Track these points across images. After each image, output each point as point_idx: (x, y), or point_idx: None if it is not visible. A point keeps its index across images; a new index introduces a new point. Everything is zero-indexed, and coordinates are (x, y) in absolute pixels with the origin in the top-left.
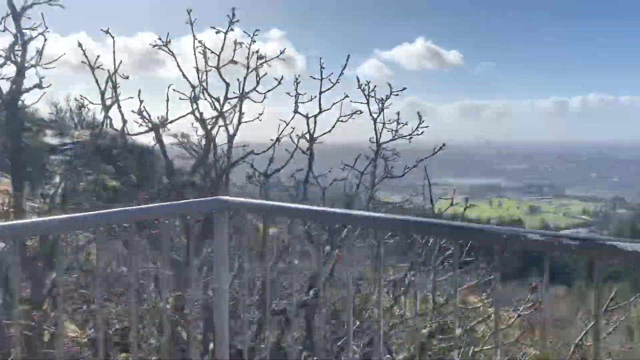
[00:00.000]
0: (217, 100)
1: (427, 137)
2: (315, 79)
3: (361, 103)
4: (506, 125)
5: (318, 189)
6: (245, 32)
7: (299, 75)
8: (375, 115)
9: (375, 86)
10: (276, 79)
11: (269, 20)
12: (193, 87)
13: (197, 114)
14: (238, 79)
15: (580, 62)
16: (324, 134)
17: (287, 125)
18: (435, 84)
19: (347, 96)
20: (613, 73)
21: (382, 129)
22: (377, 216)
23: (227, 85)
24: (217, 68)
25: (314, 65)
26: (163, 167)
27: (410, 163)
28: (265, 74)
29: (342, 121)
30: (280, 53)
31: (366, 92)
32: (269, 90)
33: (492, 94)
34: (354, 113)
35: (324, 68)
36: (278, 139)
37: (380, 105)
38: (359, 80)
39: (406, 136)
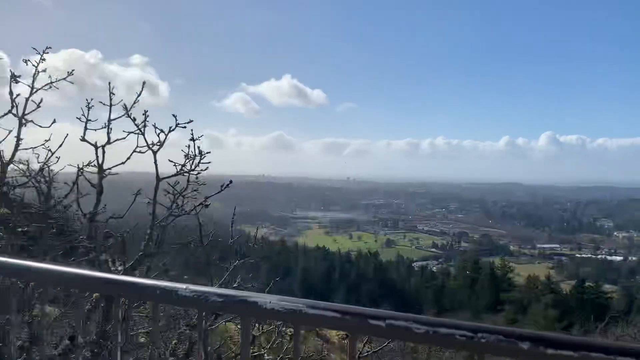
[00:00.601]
0: None
1: (294, 171)
2: (105, 104)
3: (134, 133)
4: (366, 163)
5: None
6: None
7: (91, 99)
8: (155, 148)
9: (148, 114)
10: (34, 101)
11: (131, 45)
12: None
13: None
14: (16, 103)
15: (430, 108)
16: (117, 165)
17: (53, 153)
18: (301, 120)
19: (151, 124)
20: (457, 119)
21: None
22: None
23: None
24: None
25: (178, 93)
26: None
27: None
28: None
29: (139, 152)
30: (69, 74)
31: (138, 122)
32: (27, 114)
33: (353, 133)
34: (155, 145)
35: (114, 94)
36: (41, 170)
37: (160, 137)
38: (126, 108)
39: (191, 171)
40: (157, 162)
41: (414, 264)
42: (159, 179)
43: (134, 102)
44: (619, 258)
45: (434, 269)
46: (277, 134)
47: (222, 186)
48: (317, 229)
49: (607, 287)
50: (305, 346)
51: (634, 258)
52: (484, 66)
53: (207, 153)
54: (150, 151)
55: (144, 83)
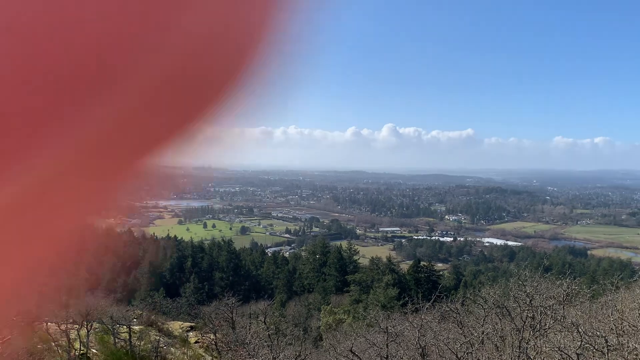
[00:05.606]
0: None
1: None
2: None
3: None
4: (220, 150)
5: None
6: None
7: None
8: None
9: None
10: None
11: None
12: None
13: None
14: None
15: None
16: None
17: None
18: None
19: None
20: (308, 109)
21: None
22: None
23: None
24: None
25: None
26: None
27: None
28: None
29: None
30: None
31: None
32: None
33: None
34: None
35: None
36: None
37: None
38: None
39: None
40: None
41: (267, 250)
42: None
43: None
44: (449, 239)
45: (287, 254)
46: None
47: None
48: (169, 218)
49: (439, 265)
50: (142, 342)
51: (461, 239)
52: (333, 58)
53: None
54: None
55: None
